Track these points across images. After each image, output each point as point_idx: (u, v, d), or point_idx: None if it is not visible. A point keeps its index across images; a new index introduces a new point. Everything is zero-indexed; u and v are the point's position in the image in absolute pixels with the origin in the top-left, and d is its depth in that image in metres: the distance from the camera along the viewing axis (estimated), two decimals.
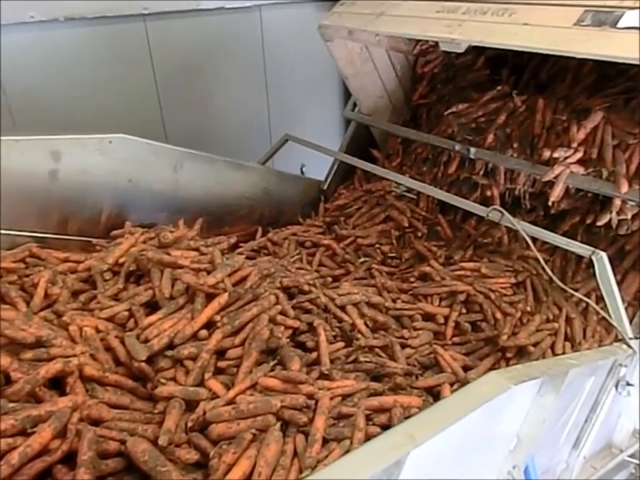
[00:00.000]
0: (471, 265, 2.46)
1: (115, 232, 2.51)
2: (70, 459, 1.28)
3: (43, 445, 1.21)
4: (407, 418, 1.58)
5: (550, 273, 2.15)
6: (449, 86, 3.16)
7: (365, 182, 3.42)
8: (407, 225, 2.91)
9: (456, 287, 2.29)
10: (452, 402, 1.09)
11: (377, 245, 2.81)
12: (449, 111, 2.90)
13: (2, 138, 2.08)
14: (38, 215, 2.42)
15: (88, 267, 2.21)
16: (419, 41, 3.13)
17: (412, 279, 2.52)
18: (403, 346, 2.05)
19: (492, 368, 2.01)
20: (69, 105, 3.40)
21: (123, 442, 1.36)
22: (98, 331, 1.81)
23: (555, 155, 2.33)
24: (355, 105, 3.40)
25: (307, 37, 4.18)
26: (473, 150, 2.65)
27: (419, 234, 2.88)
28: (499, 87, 2.81)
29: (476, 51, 3.02)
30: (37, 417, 1.27)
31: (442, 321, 2.22)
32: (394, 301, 2.32)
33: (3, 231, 2.31)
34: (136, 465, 1.31)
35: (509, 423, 1.22)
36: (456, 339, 2.15)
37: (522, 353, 2.05)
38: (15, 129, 3.18)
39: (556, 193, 2.34)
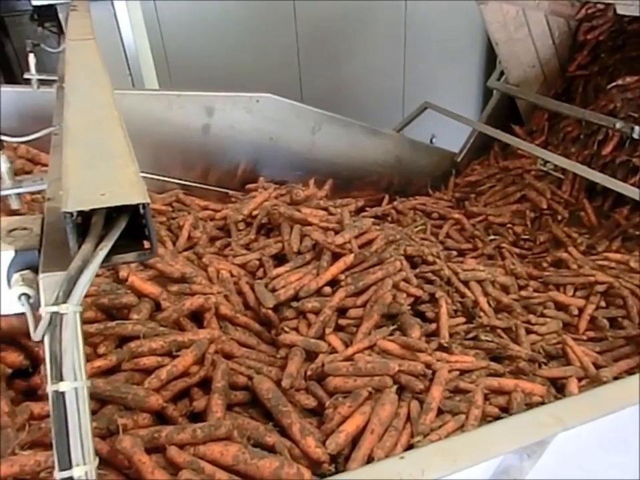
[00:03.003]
0: (617, 256, 2.23)
1: (249, 185, 2.67)
2: (205, 385, 1.42)
3: (185, 367, 1.35)
4: (527, 405, 1.51)
5: None
6: (616, 56, 2.81)
7: (502, 159, 3.23)
8: (545, 206, 2.70)
9: (595, 278, 2.10)
10: (607, 392, 1.01)
11: (509, 225, 2.67)
12: (613, 84, 2.59)
13: (165, 92, 2.29)
14: (184, 164, 2.65)
15: (224, 216, 2.39)
16: (585, 3, 2.82)
17: (544, 264, 2.35)
18: (528, 331, 1.94)
19: (630, 371, 1.83)
20: (216, 63, 3.61)
21: (249, 378, 1.47)
22: (232, 275, 1.95)
23: None
24: (501, 74, 3.19)
25: (452, 3, 3.99)
26: (637, 129, 2.35)
27: (559, 217, 2.66)
28: None
29: None
30: (181, 343, 1.42)
31: (575, 312, 2.05)
32: (521, 287, 2.19)
33: (155, 176, 2.56)
34: (260, 400, 1.41)
35: None
36: (590, 334, 1.98)
37: None
38: (172, 85, 3.47)
39: None
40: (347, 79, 4.19)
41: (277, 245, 2.08)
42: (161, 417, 1.32)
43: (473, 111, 4.69)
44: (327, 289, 1.82)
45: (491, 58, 4.57)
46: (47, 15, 4.15)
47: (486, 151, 3.36)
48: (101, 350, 1.31)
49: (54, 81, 1.60)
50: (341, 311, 1.78)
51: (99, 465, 0.54)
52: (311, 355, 1.62)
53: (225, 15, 3.56)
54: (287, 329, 1.72)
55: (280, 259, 2.07)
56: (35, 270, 0.56)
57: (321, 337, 1.68)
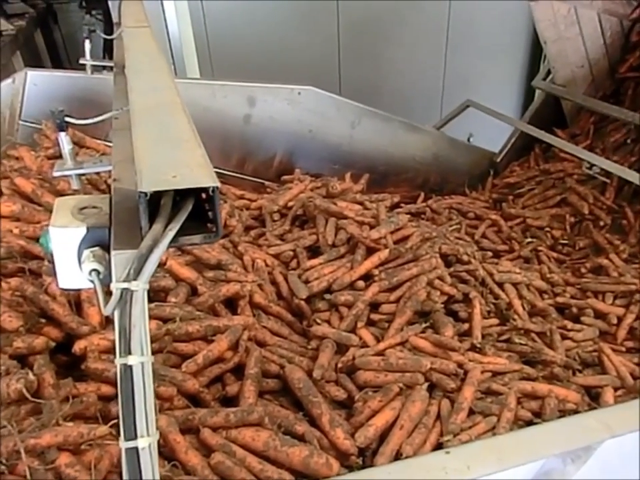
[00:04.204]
0: None
1: (285, 177, 2.68)
2: (237, 370, 1.44)
3: (220, 352, 1.37)
4: (560, 411, 1.49)
5: None
6: None
7: (543, 161, 3.15)
8: (587, 212, 2.63)
9: (637, 286, 2.05)
10: None
11: (548, 229, 2.61)
12: None
13: (210, 82, 2.32)
14: (222, 153, 2.67)
15: (260, 206, 2.40)
16: None
17: (583, 270, 2.30)
18: (563, 337, 1.90)
19: None
20: (257, 54, 3.64)
21: (281, 366, 1.48)
22: (266, 264, 1.97)
23: None
24: (547, 74, 3.10)
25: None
26: None
27: (600, 224, 2.59)
28: None
29: None
30: (216, 328, 1.44)
31: (614, 321, 2.00)
32: (557, 294, 2.15)
33: None
34: (291, 389, 1.42)
35: None
36: (628, 344, 1.93)
37: None
38: (213, 75, 3.51)
39: None
40: (386, 73, 4.16)
41: (311, 237, 2.09)
42: (192, 399, 1.34)
43: (513, 111, 4.60)
44: (360, 283, 1.82)
45: (534, 57, 4.47)
46: (95, 2, 4.26)
47: (526, 152, 3.29)
48: None
49: (105, 66, 1.63)
50: (374, 306, 1.78)
51: None
52: (341, 348, 1.63)
53: (268, 7, 3.58)
54: (318, 320, 1.73)
55: (313, 251, 2.07)
56: (103, 247, 0.59)
57: (353, 330, 1.68)
